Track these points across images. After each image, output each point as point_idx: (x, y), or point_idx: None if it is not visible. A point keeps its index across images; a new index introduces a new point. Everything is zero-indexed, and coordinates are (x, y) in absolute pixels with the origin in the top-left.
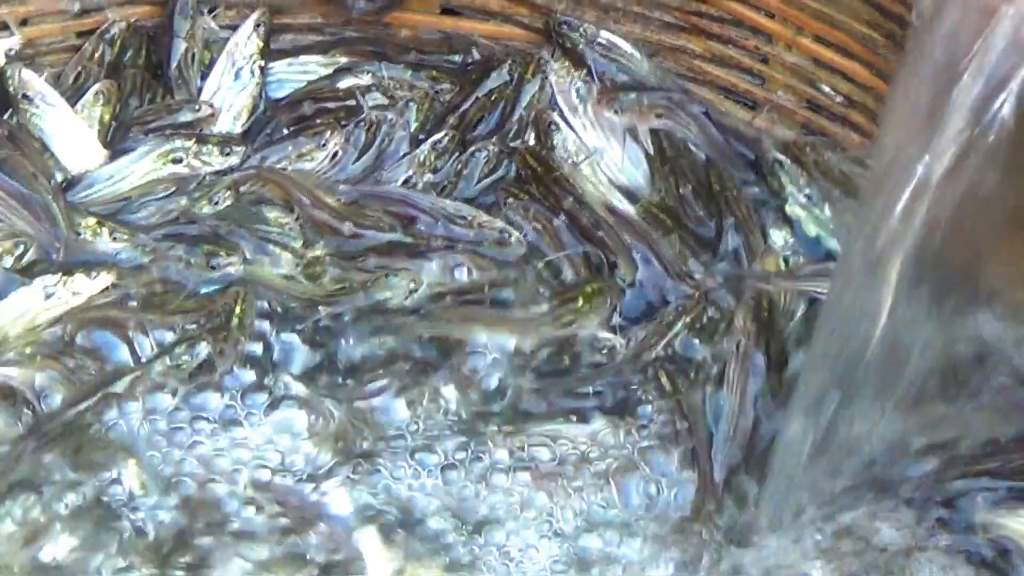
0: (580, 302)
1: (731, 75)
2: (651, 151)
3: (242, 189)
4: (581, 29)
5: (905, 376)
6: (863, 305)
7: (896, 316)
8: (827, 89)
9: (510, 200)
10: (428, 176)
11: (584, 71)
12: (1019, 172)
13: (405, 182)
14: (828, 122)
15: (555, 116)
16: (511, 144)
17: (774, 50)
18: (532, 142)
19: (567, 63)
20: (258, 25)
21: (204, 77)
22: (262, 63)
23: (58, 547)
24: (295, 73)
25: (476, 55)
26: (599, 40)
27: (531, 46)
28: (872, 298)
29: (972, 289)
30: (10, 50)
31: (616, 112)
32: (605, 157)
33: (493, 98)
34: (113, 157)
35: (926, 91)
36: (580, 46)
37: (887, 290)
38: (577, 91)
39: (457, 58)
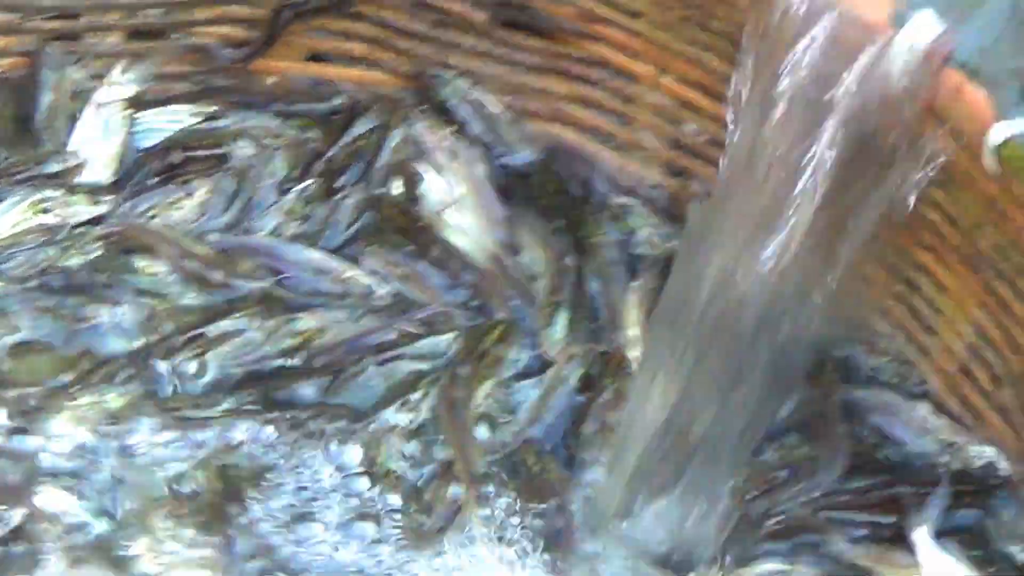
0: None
1: (596, 116)
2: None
3: (112, 239)
4: (452, 84)
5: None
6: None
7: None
8: (691, 128)
9: (375, 248)
10: (296, 225)
11: (452, 125)
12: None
13: (274, 231)
14: (692, 161)
15: (421, 165)
16: (377, 192)
17: (638, 90)
18: (398, 190)
19: (436, 116)
20: (125, 74)
21: (72, 127)
22: (130, 112)
23: None
24: (163, 122)
25: (342, 102)
26: (469, 97)
27: (397, 91)
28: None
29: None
30: None
31: (481, 163)
32: (470, 206)
33: (359, 145)
34: None
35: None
36: (450, 101)
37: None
38: (444, 143)
39: (324, 105)
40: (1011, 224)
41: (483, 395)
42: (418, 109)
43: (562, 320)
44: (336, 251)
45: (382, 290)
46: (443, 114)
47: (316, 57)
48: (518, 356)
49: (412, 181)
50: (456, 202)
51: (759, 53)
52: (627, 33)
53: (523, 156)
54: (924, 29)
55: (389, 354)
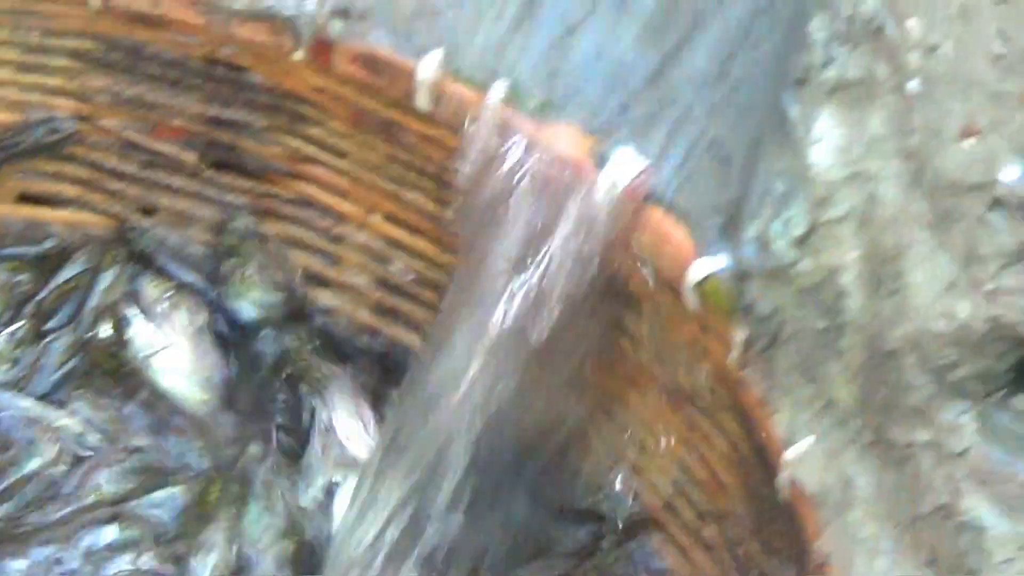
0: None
1: (304, 255)
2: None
3: None
4: (150, 233)
5: None
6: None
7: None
8: (399, 267)
9: (83, 391)
10: (4, 370)
11: (154, 270)
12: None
13: None
14: (399, 300)
15: (130, 309)
16: (86, 335)
17: (346, 230)
18: (107, 333)
19: (137, 264)
20: None
21: None
22: None
23: None
24: None
25: (53, 244)
26: (169, 242)
27: (107, 232)
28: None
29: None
30: None
31: (187, 310)
32: (178, 351)
33: (70, 287)
34: None
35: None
36: (150, 248)
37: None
38: (149, 288)
39: (35, 248)
40: (713, 360)
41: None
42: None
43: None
44: (45, 396)
45: (93, 438)
46: (144, 260)
47: (27, 198)
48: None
49: (120, 325)
50: (167, 347)
51: (468, 193)
52: (334, 173)
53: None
54: (625, 166)
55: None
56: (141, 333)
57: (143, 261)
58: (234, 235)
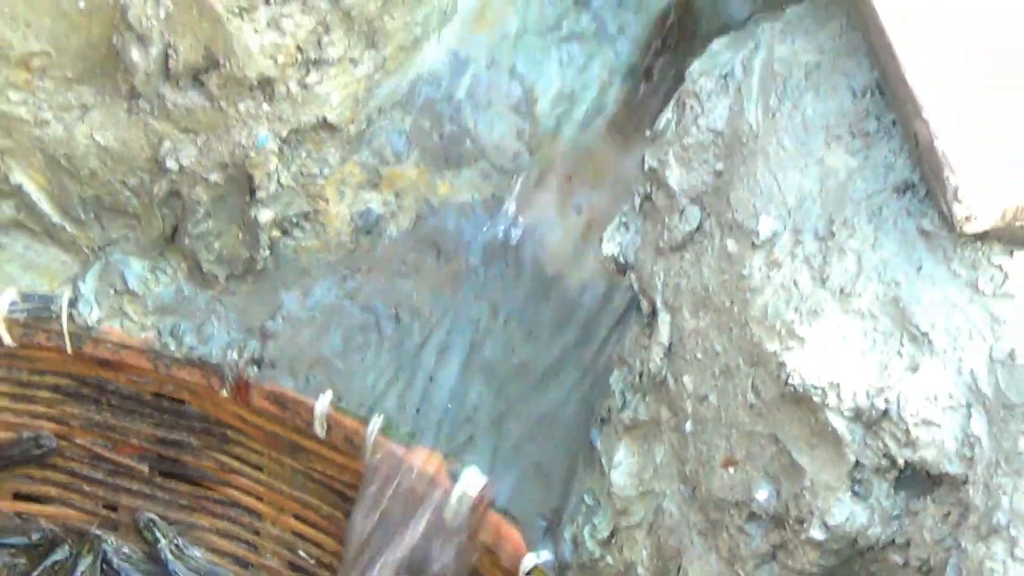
0: None
1: (231, 544)
2: None
3: None
4: (167, 534)
5: None
6: None
7: None
8: (303, 554)
9: None
10: None
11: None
12: None
13: None
14: None
15: None
16: None
17: (263, 525)
18: None
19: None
20: None
21: None
22: None
23: None
24: None
25: (41, 535)
26: (176, 542)
27: (83, 525)
28: None
29: None
30: None
31: None
32: None
33: (56, 570)
34: None
35: None
36: (160, 544)
37: None
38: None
39: (27, 539)
40: None
41: None
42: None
43: None
44: None
45: None
46: (150, 553)
47: (20, 496)
48: None
49: None
50: None
51: (358, 498)
52: (253, 482)
53: None
54: (472, 481)
55: None
56: None
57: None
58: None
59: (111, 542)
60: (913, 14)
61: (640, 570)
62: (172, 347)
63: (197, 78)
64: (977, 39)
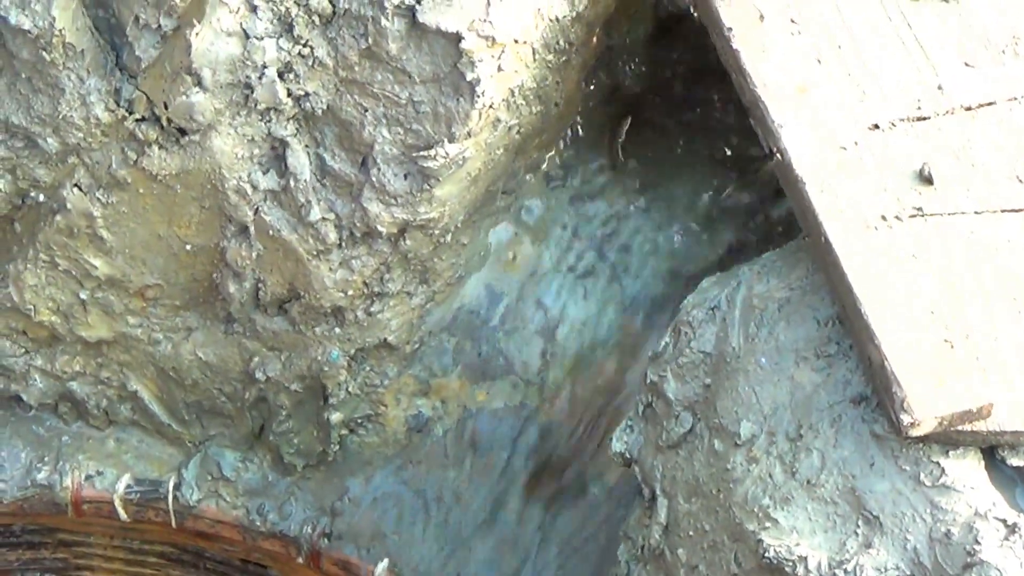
0: None
1: None
2: None
3: None
4: None
5: None
6: None
7: None
8: None
9: None
10: None
11: None
12: None
13: None
14: None
15: None
16: None
17: None
18: None
19: None
20: None
21: None
22: None
23: None
24: None
25: None
26: None
27: None
28: None
29: None
30: None
31: None
32: None
33: None
34: None
35: None
36: None
37: None
38: None
39: None
40: None
41: None
42: None
43: None
44: None
45: None
46: None
47: None
48: None
49: None
50: None
51: None
52: None
53: None
54: None
55: None
56: None
57: None
58: None
59: None
60: (872, 260)
61: None
62: (258, 522)
63: (282, 307)
64: (924, 278)
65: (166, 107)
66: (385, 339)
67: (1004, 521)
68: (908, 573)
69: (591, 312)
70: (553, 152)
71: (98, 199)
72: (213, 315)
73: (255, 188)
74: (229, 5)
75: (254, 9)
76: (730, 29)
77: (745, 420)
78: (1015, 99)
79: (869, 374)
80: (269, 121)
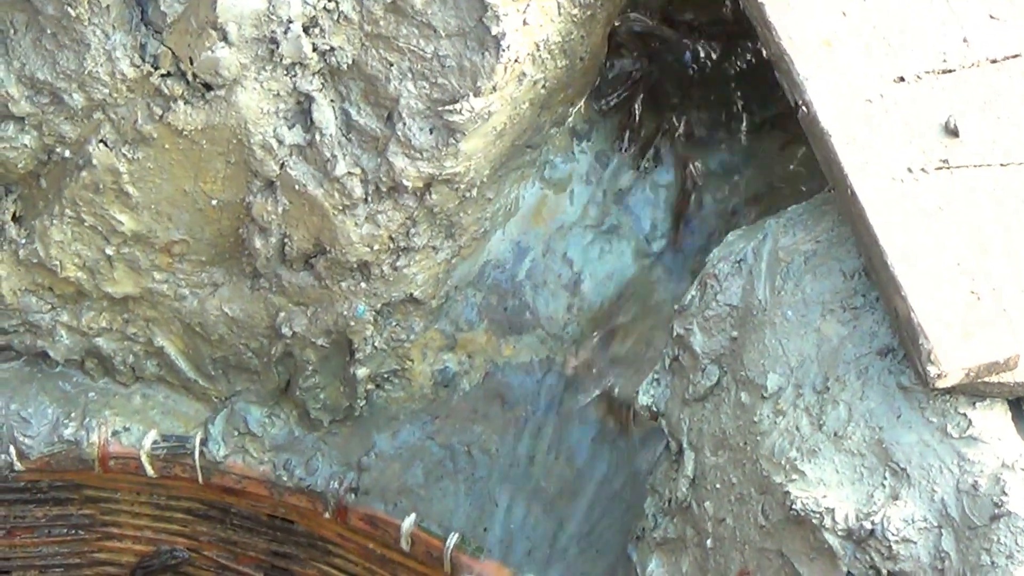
0: None
1: None
2: None
3: None
4: None
5: None
6: None
7: None
8: None
9: None
10: None
11: None
12: None
13: None
14: None
15: None
16: None
17: None
18: None
19: None
20: None
21: None
22: None
23: None
24: None
25: None
26: None
27: None
28: None
29: None
30: None
31: None
32: None
33: None
34: None
35: None
36: None
37: None
38: None
39: None
40: None
41: None
42: None
43: None
44: None
45: None
46: None
47: None
48: None
49: None
50: None
51: None
52: None
53: None
54: None
55: None
56: None
57: None
58: None
59: None
60: (898, 212)
61: None
62: (285, 478)
63: (308, 261)
64: (950, 230)
65: (191, 62)
66: (411, 294)
67: None
68: (936, 525)
69: (616, 267)
70: (579, 106)
71: (124, 155)
72: (239, 270)
73: (280, 143)
74: None
75: None
76: None
77: (772, 373)
78: None
79: (895, 326)
80: (294, 76)
